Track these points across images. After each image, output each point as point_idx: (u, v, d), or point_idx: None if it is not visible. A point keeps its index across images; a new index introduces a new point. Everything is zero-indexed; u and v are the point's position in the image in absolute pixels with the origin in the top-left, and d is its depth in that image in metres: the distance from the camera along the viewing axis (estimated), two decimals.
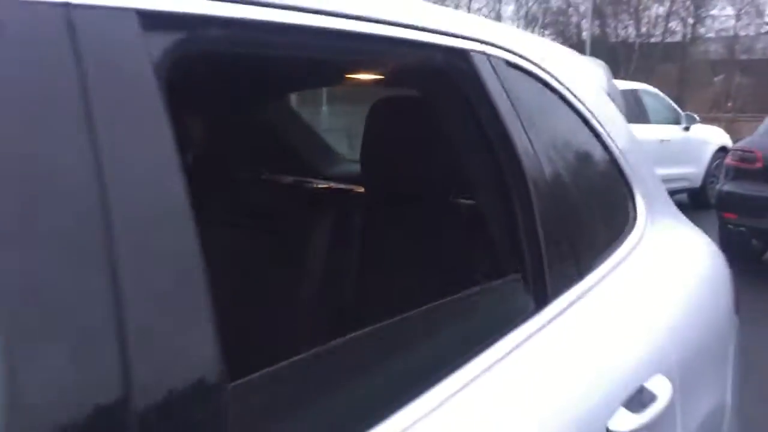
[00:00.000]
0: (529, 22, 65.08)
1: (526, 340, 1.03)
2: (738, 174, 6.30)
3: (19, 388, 0.52)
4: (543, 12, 61.68)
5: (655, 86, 10.01)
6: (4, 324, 0.52)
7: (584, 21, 56.01)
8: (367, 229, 1.39)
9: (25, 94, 0.56)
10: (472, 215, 1.25)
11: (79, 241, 0.56)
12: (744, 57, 45.21)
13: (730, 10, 50.57)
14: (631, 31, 53.74)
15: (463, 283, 1.07)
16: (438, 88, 1.17)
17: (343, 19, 0.91)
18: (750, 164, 6.18)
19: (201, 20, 0.73)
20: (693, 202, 9.29)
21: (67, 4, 0.60)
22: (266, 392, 0.72)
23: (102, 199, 0.58)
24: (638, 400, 1.11)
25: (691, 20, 52.08)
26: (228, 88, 1.38)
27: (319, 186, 1.69)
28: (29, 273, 0.53)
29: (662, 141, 8.46)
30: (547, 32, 65.23)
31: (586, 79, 1.50)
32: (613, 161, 1.50)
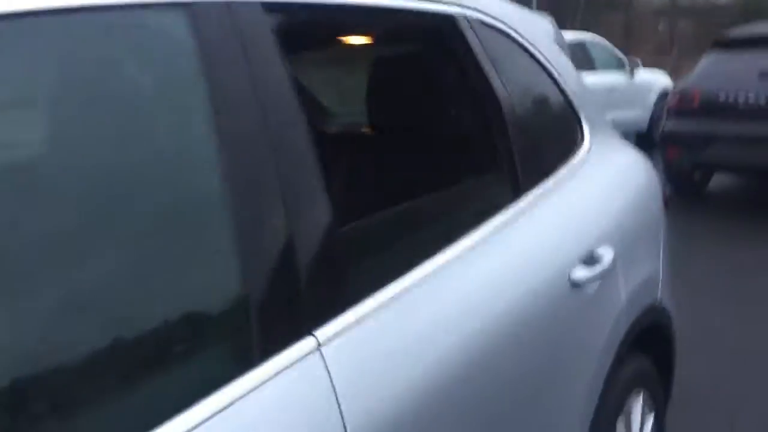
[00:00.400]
0: None
1: (509, 218, 1.46)
2: (678, 113, 6.83)
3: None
4: None
5: (601, 36, 10.49)
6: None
7: None
8: (378, 158, 1.80)
9: (223, 53, 0.96)
10: (462, 139, 1.67)
11: (262, 128, 0.97)
12: (686, 3, 46.05)
13: None
14: None
15: (459, 184, 1.50)
16: (433, 45, 1.58)
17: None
18: (689, 104, 6.70)
19: (292, 5, 1.12)
20: (640, 144, 9.84)
21: (229, 3, 0.99)
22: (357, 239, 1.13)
23: (263, 110, 0.98)
24: (591, 259, 1.55)
25: None
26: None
27: (334, 130, 2.08)
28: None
29: (609, 88, 8.96)
30: None
31: (539, 31, 1.91)
32: (564, 95, 1.92)
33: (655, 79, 10.27)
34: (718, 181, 7.68)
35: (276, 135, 0.98)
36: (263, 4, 1.05)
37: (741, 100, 6.27)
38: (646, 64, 10.73)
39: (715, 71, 6.78)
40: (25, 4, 0.78)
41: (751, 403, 3.00)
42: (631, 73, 9.74)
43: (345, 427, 0.95)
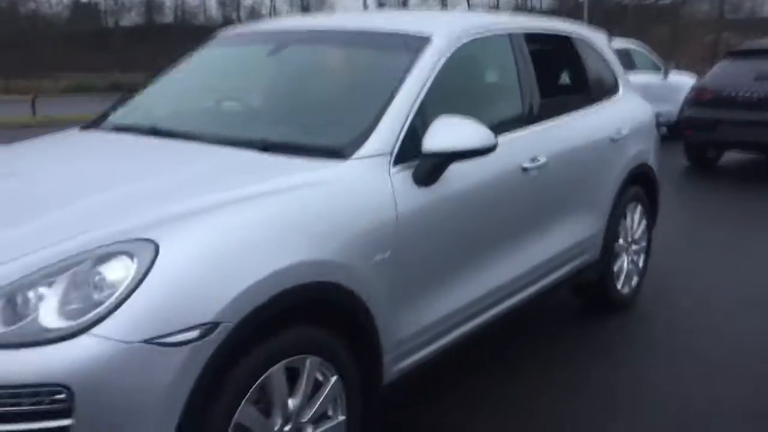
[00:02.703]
0: None
1: (587, 111, 3.90)
2: (695, 103, 9.17)
3: None
4: None
5: (648, 45, 12.79)
6: None
7: None
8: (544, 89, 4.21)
9: (519, 51, 3.42)
10: (571, 84, 4.13)
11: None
12: (732, 16, 47.39)
13: None
14: None
15: (570, 98, 3.95)
16: (559, 48, 4.03)
17: (546, 31, 3.77)
18: (703, 97, 9.03)
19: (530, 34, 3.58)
20: (670, 133, 12.14)
21: (522, 34, 3.46)
22: None
23: (527, 74, 3.44)
24: (617, 131, 3.99)
25: None
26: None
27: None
28: None
29: (645, 85, 11.25)
30: None
31: (600, 40, 4.34)
32: (611, 71, 4.35)
33: (684, 81, 12.53)
34: (727, 158, 9.95)
35: (528, 79, 3.41)
36: (525, 35, 3.50)
37: (740, 95, 8.59)
38: (691, 70, 12.89)
39: (724, 74, 9.11)
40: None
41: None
42: (665, 74, 12.04)
43: None
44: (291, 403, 2.18)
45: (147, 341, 1.79)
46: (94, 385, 1.73)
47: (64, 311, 1.80)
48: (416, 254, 2.60)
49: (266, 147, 2.57)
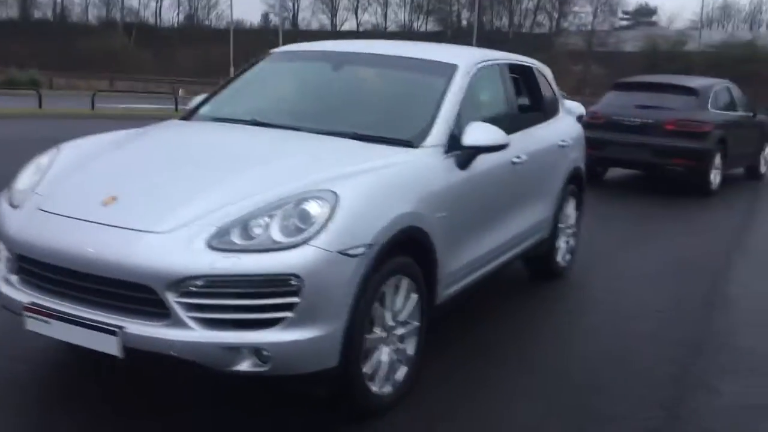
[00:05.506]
0: (414, 9, 68.35)
1: (543, 125, 5.22)
2: (589, 126, 10.82)
3: None
4: (427, 0, 65.36)
5: None
6: None
7: (464, 10, 60.12)
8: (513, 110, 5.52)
9: (504, 74, 4.68)
10: (530, 105, 5.45)
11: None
12: (599, 49, 51.78)
13: (588, 8, 56.82)
14: (505, 21, 59.38)
15: (531, 115, 5.25)
16: (525, 77, 5.33)
17: (518, 62, 5.06)
18: (596, 120, 10.74)
19: (508, 65, 4.85)
20: None
21: (504, 64, 4.72)
22: None
23: (516, 90, 4.69)
24: (563, 141, 5.33)
25: (555, 15, 58.27)
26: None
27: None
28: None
29: None
30: (430, 18, 68.95)
31: (550, 74, 5.69)
32: (555, 96, 5.70)
33: (574, 107, 14.34)
34: (611, 174, 11.78)
35: (511, 98, 4.68)
36: (507, 65, 4.76)
37: (624, 120, 10.37)
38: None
39: (612, 102, 10.89)
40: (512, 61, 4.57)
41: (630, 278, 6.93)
42: None
43: None
44: (396, 305, 3.26)
45: (339, 252, 2.84)
46: (314, 275, 2.76)
47: (283, 231, 2.82)
48: (459, 214, 3.75)
49: (359, 137, 3.65)
